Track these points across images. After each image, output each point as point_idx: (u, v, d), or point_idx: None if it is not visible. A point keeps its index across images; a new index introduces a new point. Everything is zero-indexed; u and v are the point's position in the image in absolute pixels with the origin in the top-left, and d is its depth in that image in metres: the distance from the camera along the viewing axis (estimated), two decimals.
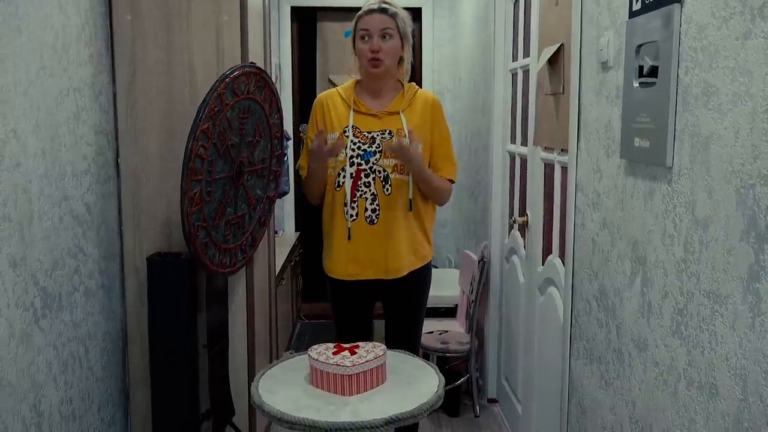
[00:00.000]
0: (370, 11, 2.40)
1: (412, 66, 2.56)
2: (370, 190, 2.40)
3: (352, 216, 2.41)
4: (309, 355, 1.93)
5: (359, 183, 2.41)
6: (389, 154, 2.37)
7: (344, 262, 2.45)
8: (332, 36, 5.18)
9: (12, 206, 1.64)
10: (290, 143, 4.47)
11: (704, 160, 1.35)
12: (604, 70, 1.90)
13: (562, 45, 2.40)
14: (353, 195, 2.41)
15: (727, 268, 1.27)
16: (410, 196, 2.42)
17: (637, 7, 1.66)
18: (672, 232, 1.49)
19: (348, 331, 2.55)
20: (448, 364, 3.55)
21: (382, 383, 1.93)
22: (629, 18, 1.71)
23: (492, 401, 3.63)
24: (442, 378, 1.98)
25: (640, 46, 1.64)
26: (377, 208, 2.40)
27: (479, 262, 3.52)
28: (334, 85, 2.61)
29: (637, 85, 1.65)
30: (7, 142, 1.62)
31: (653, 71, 1.59)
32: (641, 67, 1.65)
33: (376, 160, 2.40)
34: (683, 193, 1.44)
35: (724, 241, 1.28)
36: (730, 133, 1.26)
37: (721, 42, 1.29)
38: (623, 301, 1.78)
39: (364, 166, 2.41)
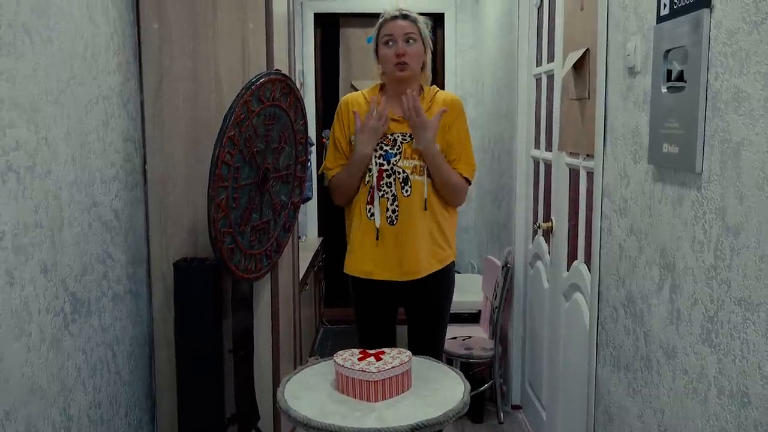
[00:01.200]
0: (393, 18, 2.44)
1: (433, 72, 2.58)
2: (391, 191, 2.42)
3: (374, 216, 2.43)
4: (335, 361, 1.94)
5: (381, 183, 2.42)
6: (410, 149, 2.39)
7: (364, 261, 2.47)
8: (355, 42, 5.20)
9: (43, 213, 1.67)
10: (313, 149, 4.50)
11: (735, 167, 1.34)
12: (630, 76, 1.89)
13: (587, 50, 2.38)
14: (376, 195, 2.42)
15: (760, 275, 1.25)
16: (425, 196, 2.42)
17: (664, 12, 1.64)
18: (702, 238, 1.48)
19: (370, 335, 2.56)
20: (472, 370, 3.54)
21: (408, 389, 1.92)
22: (657, 23, 1.69)
23: (516, 407, 3.61)
24: (468, 384, 1.97)
25: (668, 51, 1.62)
26: (397, 209, 2.41)
27: (503, 267, 3.50)
28: (357, 91, 2.64)
29: (666, 90, 1.63)
30: (39, 150, 1.65)
31: (681, 76, 1.58)
32: (669, 73, 1.64)
33: (396, 161, 2.42)
34: (713, 199, 1.43)
35: (756, 248, 1.26)
36: (762, 139, 1.24)
37: (753, 47, 1.27)
38: (651, 308, 1.76)
39: (385, 167, 2.42)
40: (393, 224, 2.42)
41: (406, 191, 2.42)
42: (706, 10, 1.44)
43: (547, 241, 3.08)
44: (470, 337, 3.64)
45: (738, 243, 1.33)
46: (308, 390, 1.95)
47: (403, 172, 2.42)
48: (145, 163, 2.38)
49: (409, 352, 1.98)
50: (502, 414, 3.51)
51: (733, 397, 1.35)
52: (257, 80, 2.08)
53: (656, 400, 1.73)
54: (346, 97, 2.57)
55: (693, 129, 1.48)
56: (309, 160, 2.64)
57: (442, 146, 2.45)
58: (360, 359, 1.93)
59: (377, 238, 2.43)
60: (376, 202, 2.42)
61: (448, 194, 2.48)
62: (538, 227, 3.12)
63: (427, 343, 2.54)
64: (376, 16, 2.56)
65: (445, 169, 2.43)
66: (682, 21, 1.54)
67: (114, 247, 2.13)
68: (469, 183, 2.52)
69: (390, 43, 2.42)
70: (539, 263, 3.20)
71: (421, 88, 2.53)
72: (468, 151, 2.52)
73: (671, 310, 1.64)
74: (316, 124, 5.11)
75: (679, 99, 1.56)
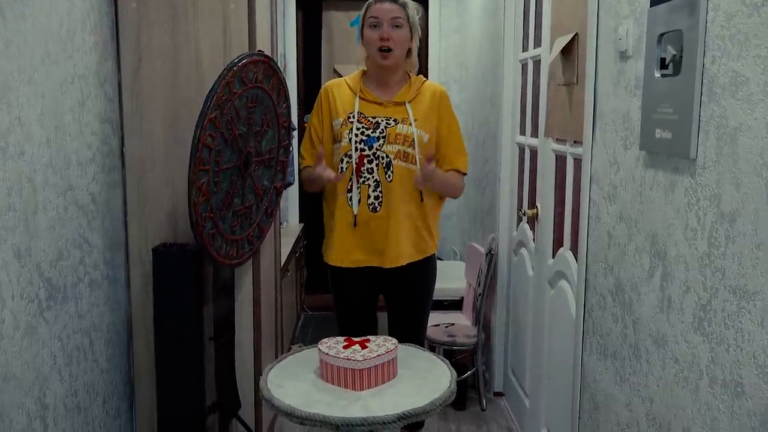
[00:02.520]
0: (381, 0, 2.37)
1: (418, 57, 2.54)
2: (372, 177, 2.38)
3: (355, 203, 2.38)
4: (319, 349, 1.90)
5: (362, 169, 2.38)
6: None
7: (346, 249, 2.43)
8: (338, 25, 5.13)
9: (17, 196, 1.60)
10: (295, 133, 4.43)
11: (731, 152, 1.31)
12: (622, 60, 1.86)
13: (576, 34, 2.35)
14: (357, 181, 2.38)
15: (756, 263, 1.23)
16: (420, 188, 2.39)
17: None
18: (695, 225, 1.45)
19: (351, 323, 2.52)
20: (455, 358, 3.52)
21: (394, 378, 1.89)
22: (651, 6, 1.66)
23: (498, 395, 3.60)
24: (454, 372, 1.95)
25: (662, 35, 1.59)
26: (380, 195, 2.37)
27: (487, 254, 3.48)
28: (339, 75, 2.58)
29: (659, 75, 1.60)
30: (12, 130, 1.58)
31: (675, 60, 1.55)
32: (662, 58, 1.61)
33: (379, 145, 2.37)
34: (708, 185, 1.40)
35: (753, 236, 1.24)
36: (760, 124, 1.22)
37: (752, 30, 1.24)
38: (641, 295, 1.74)
39: (367, 152, 2.38)
40: (376, 211, 2.38)
41: (389, 176, 2.37)
42: None
43: (532, 228, 3.06)
44: (453, 324, 3.62)
45: (734, 230, 1.30)
46: (291, 378, 1.91)
47: (387, 156, 2.37)
48: (122, 145, 2.32)
49: (394, 340, 1.95)
50: (484, 401, 3.50)
51: (726, 386, 1.33)
52: (239, 61, 2.02)
53: (645, 388, 1.72)
54: (327, 84, 2.52)
55: (688, 114, 1.46)
56: (291, 144, 2.59)
57: (431, 138, 2.42)
58: (345, 347, 1.89)
59: (355, 225, 2.39)
60: (355, 190, 2.38)
61: (450, 195, 2.54)
62: (523, 214, 3.10)
63: (408, 332, 2.51)
64: None
65: (448, 182, 2.46)
66: (677, 4, 1.51)
67: (91, 231, 2.06)
68: (465, 174, 2.52)
69: (375, 25, 2.36)
70: (523, 250, 3.18)
71: (408, 76, 2.49)
72: (459, 141, 2.52)
73: (662, 298, 1.62)
74: (298, 108, 5.04)
75: (674, 84, 1.53)
